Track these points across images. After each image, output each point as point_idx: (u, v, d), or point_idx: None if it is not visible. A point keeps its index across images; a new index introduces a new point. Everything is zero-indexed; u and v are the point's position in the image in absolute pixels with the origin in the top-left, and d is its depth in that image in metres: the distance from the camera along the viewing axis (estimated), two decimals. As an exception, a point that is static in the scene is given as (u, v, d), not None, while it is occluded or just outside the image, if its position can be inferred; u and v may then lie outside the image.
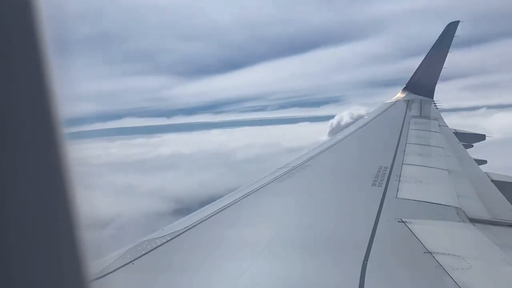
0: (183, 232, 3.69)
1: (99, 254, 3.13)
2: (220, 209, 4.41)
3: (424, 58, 19.31)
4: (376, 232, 3.59)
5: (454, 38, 18.32)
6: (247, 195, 4.98)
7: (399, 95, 18.94)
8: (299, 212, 4.47)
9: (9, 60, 0.65)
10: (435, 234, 3.74)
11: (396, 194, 4.93)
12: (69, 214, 0.70)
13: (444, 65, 18.41)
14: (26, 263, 0.66)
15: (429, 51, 19.12)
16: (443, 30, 18.82)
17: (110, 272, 2.84)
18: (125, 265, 2.99)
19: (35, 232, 0.67)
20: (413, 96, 18.39)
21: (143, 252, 3.23)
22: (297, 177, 6.04)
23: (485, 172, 7.12)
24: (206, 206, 4.65)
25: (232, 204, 4.61)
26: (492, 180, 6.48)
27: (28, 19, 0.66)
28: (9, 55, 0.65)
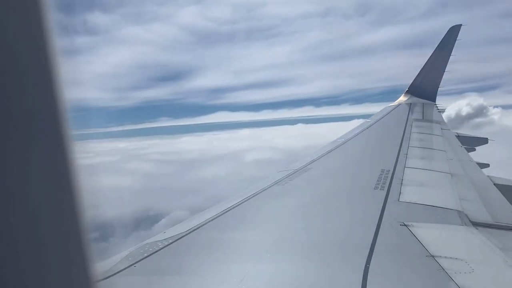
0: (185, 235, 3.69)
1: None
2: (222, 212, 4.41)
3: (427, 62, 19.29)
4: (378, 235, 3.59)
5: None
6: (249, 198, 4.99)
7: (402, 98, 18.93)
8: (301, 215, 4.47)
9: (18, 55, 0.64)
10: (438, 238, 3.73)
11: (399, 198, 4.92)
12: (77, 215, 0.70)
13: (447, 69, 18.44)
14: (30, 263, 0.66)
15: (432, 54, 19.11)
16: (446, 34, 18.82)
17: (112, 275, 2.84)
18: (127, 267, 3.00)
19: (40, 232, 0.67)
20: (415, 99, 18.38)
21: (145, 254, 3.24)
22: (299, 180, 6.04)
23: (487, 176, 7.11)
24: (209, 209, 4.66)
25: (234, 207, 4.61)
26: (494, 184, 6.46)
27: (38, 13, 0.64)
28: (19, 50, 0.64)
